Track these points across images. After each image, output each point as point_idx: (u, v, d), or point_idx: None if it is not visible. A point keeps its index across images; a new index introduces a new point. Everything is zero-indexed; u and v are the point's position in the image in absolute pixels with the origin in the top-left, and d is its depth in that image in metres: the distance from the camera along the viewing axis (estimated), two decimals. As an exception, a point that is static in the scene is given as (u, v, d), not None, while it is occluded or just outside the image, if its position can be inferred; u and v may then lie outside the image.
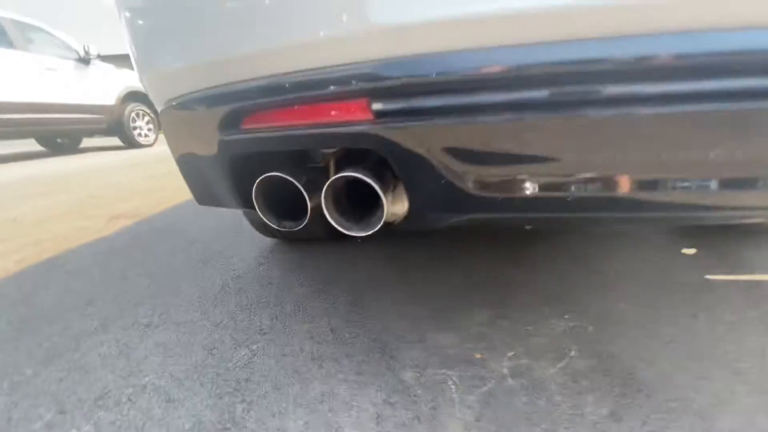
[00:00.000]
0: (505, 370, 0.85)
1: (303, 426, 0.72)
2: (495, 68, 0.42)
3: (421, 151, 0.48)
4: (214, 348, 0.97)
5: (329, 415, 0.75)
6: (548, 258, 1.37)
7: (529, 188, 0.51)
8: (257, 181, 0.60)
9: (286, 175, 0.58)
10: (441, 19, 0.41)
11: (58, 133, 6.65)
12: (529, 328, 0.99)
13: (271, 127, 0.54)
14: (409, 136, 0.48)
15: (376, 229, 0.59)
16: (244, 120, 0.55)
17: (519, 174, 0.49)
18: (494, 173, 0.50)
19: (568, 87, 0.42)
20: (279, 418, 0.74)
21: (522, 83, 0.43)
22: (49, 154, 6.54)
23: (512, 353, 0.90)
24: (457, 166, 0.50)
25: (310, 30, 0.46)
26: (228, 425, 0.74)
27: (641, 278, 1.21)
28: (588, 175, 0.48)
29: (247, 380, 0.85)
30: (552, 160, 0.47)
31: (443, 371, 0.85)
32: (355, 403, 0.77)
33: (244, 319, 1.09)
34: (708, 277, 1.21)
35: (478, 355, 0.89)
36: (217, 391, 0.82)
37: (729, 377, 0.79)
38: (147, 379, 0.87)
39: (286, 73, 0.50)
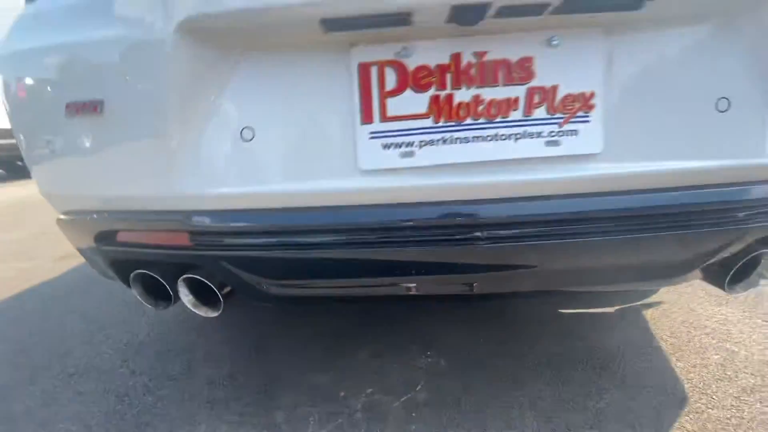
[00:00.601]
0: (359, 405, 1.05)
1: (182, 462, 0.91)
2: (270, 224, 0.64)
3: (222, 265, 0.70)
4: (126, 395, 1.14)
5: (206, 451, 0.93)
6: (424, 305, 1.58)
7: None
8: (131, 274, 0.79)
9: (151, 272, 0.77)
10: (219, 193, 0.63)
11: (18, 156, 6.61)
12: (395, 365, 1.20)
13: (128, 244, 0.73)
14: (211, 259, 0.69)
15: (219, 311, 0.79)
16: (117, 236, 0.74)
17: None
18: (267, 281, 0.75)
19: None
20: (165, 457, 0.93)
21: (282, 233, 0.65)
22: (8, 177, 6.46)
23: (370, 389, 1.11)
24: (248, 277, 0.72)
25: (141, 187, 0.66)
26: (122, 465, 0.91)
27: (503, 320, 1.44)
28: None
29: (147, 424, 1.03)
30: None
31: (309, 409, 1.05)
32: (229, 440, 0.96)
33: (158, 366, 1.26)
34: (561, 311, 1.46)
35: (342, 393, 1.10)
36: (120, 434, 1.00)
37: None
38: (62, 426, 1.04)
39: (136, 210, 0.70)
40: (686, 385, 1.07)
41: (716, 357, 1.17)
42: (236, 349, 1.33)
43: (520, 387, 1.08)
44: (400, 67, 0.59)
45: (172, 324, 1.50)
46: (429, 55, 0.58)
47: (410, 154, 0.60)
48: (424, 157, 0.60)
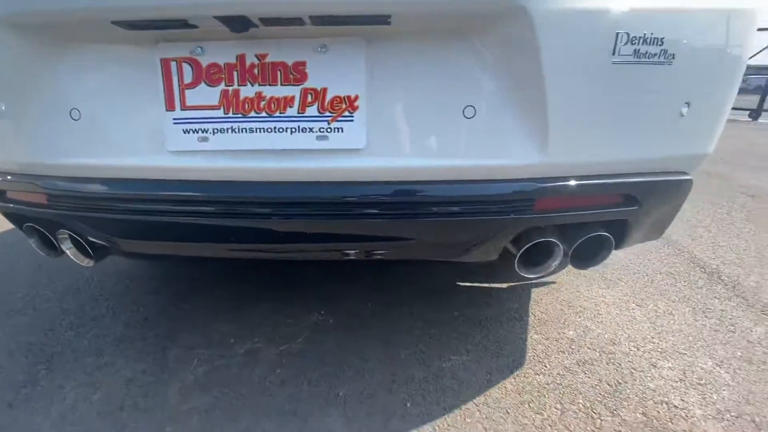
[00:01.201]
0: (242, 351, 1.21)
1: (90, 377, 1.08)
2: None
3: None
4: (51, 329, 1.32)
5: (98, 374, 1.11)
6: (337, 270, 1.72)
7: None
8: (23, 225, 0.93)
9: (36, 225, 0.91)
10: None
11: None
12: (289, 320, 1.36)
13: (12, 201, 0.86)
14: (68, 218, 0.82)
15: (94, 261, 0.94)
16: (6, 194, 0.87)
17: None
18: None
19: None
20: (65, 380, 1.10)
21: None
22: None
23: (257, 339, 1.26)
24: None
25: (6, 154, 0.78)
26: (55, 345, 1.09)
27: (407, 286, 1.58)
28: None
29: (59, 354, 1.20)
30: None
31: (200, 351, 1.21)
32: (123, 369, 1.13)
33: (86, 308, 1.43)
34: (459, 283, 1.59)
35: (232, 340, 1.26)
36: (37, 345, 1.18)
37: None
38: (-8, 350, 1.22)
39: (12, 173, 0.82)
40: (529, 354, 1.20)
41: (571, 333, 1.30)
42: (158, 299, 1.49)
43: (386, 345, 1.23)
44: (195, 64, 0.68)
45: (111, 274, 1.67)
46: (218, 54, 0.67)
47: (205, 140, 0.70)
48: (216, 142, 0.70)
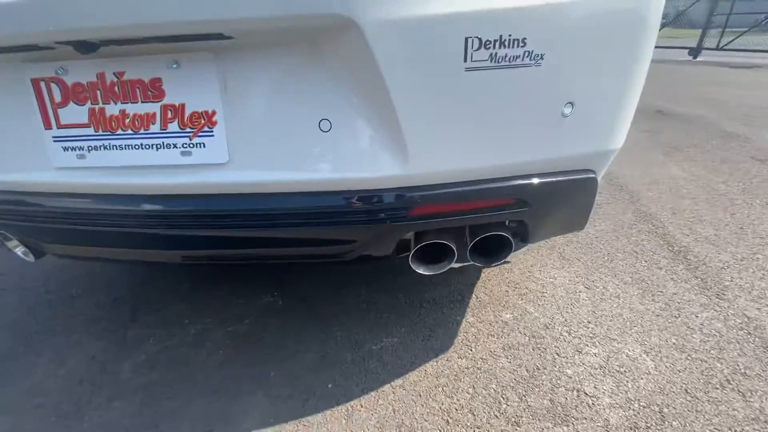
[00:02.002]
0: (193, 330, 1.32)
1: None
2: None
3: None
4: (34, 308, 1.47)
5: (67, 351, 1.24)
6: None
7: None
8: None
9: None
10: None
11: None
12: (241, 301, 1.45)
13: None
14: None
15: (34, 258, 1.03)
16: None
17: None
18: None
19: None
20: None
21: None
22: None
23: (209, 319, 1.36)
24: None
25: None
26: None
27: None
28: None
29: (36, 332, 1.35)
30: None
31: (156, 330, 1.33)
32: (88, 347, 1.27)
33: (67, 287, 1.57)
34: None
35: (186, 321, 1.37)
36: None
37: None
38: (-17, 328, 1.38)
39: None
40: (459, 338, 1.24)
41: (508, 316, 1.32)
42: (129, 281, 1.61)
43: (325, 328, 1.30)
44: (61, 83, 0.69)
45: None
46: (80, 73, 0.67)
47: (83, 156, 0.73)
48: (93, 159, 0.73)
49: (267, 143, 0.70)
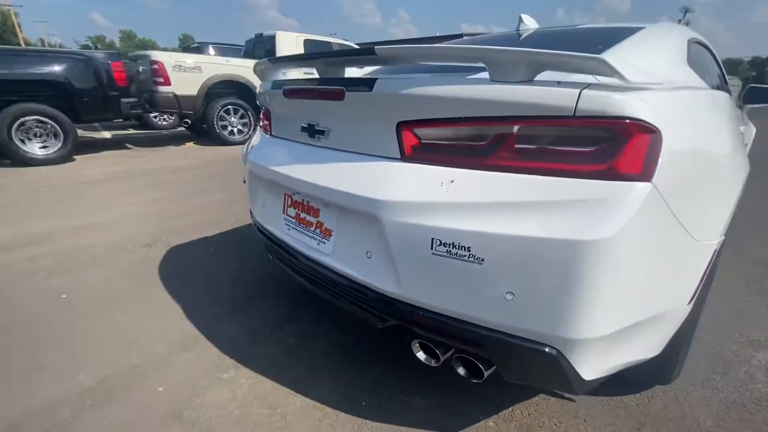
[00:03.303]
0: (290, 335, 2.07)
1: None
2: None
3: None
4: (217, 301, 2.51)
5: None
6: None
7: None
8: None
9: None
10: None
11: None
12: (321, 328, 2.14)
13: None
14: None
15: None
16: None
17: None
18: None
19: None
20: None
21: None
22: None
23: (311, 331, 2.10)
24: None
25: None
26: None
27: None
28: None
29: (218, 317, 2.35)
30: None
31: (289, 330, 2.13)
32: (258, 338, 2.16)
33: (241, 292, 2.60)
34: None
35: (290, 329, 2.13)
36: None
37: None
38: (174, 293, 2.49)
39: None
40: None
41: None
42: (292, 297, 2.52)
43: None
44: (291, 198, 1.62)
45: (275, 272, 2.80)
46: (296, 197, 1.57)
47: (288, 229, 1.66)
48: (291, 232, 1.64)
49: (347, 251, 1.40)
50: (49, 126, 6.20)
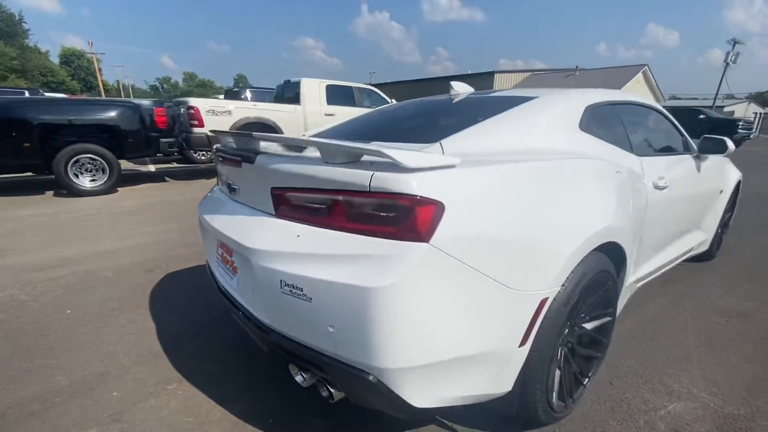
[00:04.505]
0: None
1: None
2: None
3: None
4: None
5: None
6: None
7: None
8: None
9: None
10: None
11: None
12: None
13: None
14: None
15: None
16: None
17: None
18: None
19: None
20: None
21: None
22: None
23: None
24: None
25: None
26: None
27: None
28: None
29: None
30: None
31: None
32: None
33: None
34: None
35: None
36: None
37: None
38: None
39: None
40: None
41: None
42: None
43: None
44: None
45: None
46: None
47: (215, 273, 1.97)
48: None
49: (244, 286, 1.71)
50: (98, 162, 7.20)
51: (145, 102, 8.07)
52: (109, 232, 5.07)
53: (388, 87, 43.58)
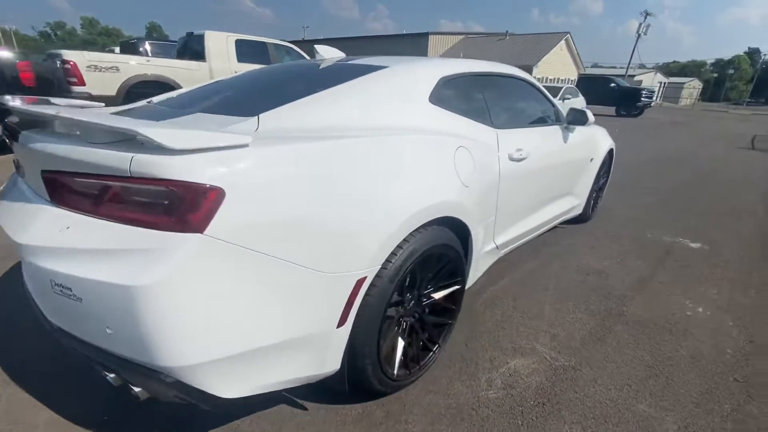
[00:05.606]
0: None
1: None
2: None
3: None
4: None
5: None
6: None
7: None
8: None
9: None
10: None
11: None
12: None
13: None
14: None
15: None
16: None
17: None
18: None
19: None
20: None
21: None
22: None
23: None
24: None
25: None
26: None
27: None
28: None
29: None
30: None
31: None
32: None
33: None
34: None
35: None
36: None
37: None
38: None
39: None
40: None
41: None
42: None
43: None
44: None
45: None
46: None
47: None
48: None
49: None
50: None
51: (5, 54, 6.73)
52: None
53: (323, 44, 40.98)
